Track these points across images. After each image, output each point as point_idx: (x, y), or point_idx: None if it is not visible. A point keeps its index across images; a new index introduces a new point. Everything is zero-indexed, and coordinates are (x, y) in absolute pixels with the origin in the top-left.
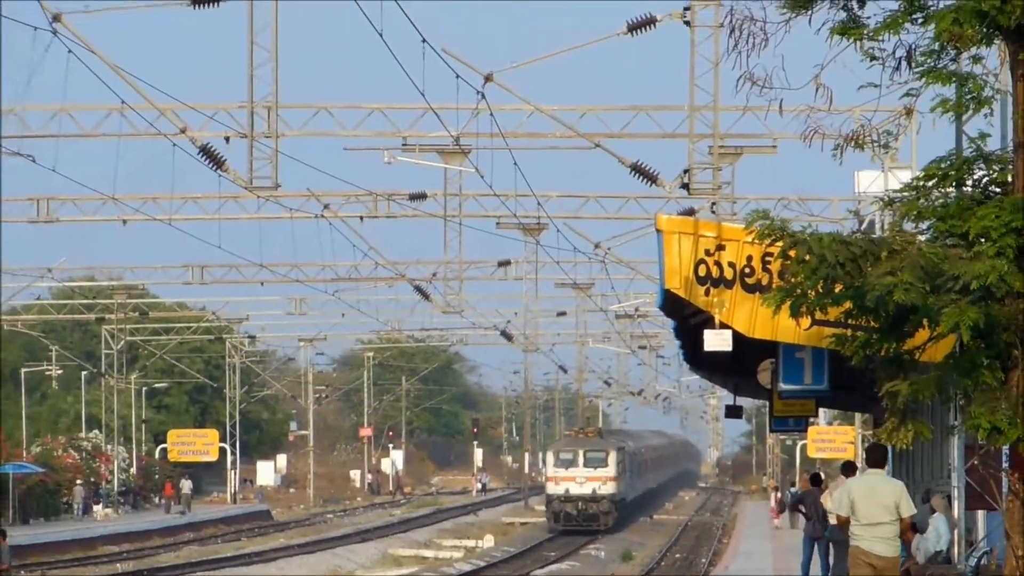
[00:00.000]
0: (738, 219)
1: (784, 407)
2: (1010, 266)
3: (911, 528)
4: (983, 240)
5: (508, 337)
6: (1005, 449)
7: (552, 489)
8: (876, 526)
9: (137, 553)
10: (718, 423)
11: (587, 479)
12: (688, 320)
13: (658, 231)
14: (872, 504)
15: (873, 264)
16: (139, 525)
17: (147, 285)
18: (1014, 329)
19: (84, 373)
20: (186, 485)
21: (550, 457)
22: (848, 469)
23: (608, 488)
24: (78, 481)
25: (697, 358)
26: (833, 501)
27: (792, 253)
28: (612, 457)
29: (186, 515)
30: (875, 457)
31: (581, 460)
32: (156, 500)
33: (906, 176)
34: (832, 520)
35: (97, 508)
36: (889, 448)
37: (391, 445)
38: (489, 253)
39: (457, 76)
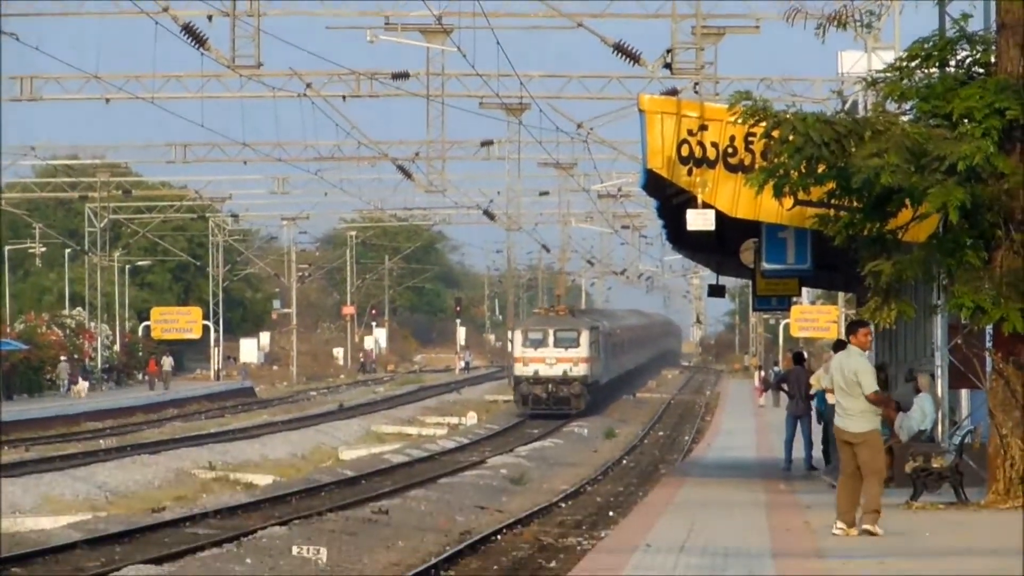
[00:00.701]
0: (721, 100)
1: (767, 286)
2: (995, 147)
3: (896, 407)
4: (967, 121)
5: (491, 216)
6: (988, 328)
7: (520, 370)
8: (843, 401)
9: (120, 429)
10: (701, 302)
11: (557, 360)
12: (671, 200)
13: (640, 111)
14: (839, 379)
15: (857, 144)
16: (123, 401)
17: (130, 164)
18: (997, 209)
19: (67, 251)
20: (167, 362)
21: (518, 336)
22: (840, 347)
23: (580, 370)
24: (62, 358)
25: (680, 237)
26: (817, 376)
27: (776, 133)
28: (584, 337)
29: (168, 391)
30: (849, 332)
31: (551, 340)
32: (140, 377)
33: (889, 57)
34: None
35: (82, 384)
36: (872, 326)
37: (374, 323)
38: (472, 133)
39: None
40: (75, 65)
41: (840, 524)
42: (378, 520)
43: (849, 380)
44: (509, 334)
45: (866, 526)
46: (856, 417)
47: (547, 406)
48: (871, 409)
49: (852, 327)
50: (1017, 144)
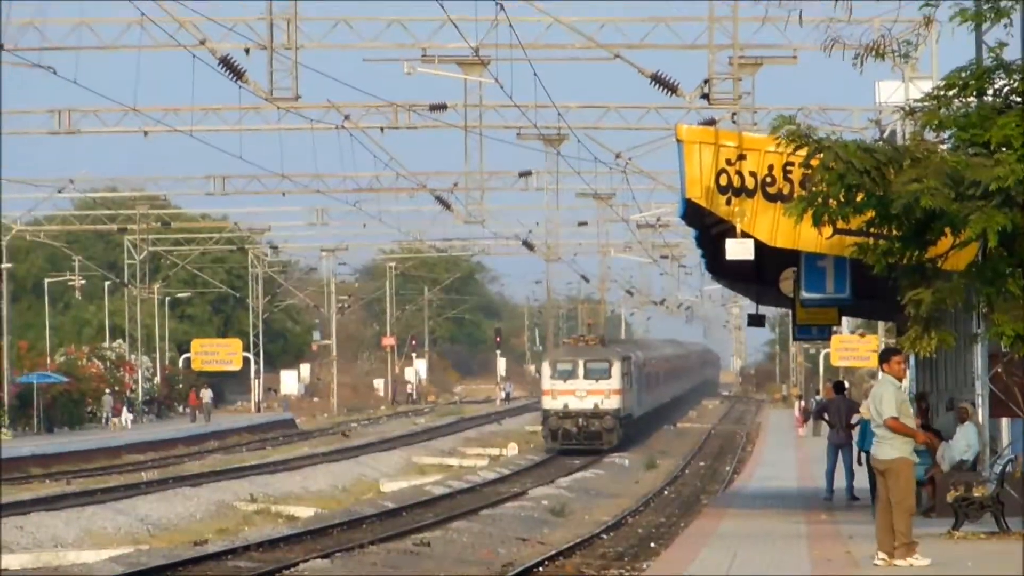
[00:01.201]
0: (759, 130)
1: (807, 316)
2: None
3: (937, 437)
4: (1004, 149)
5: (530, 247)
6: None
7: (549, 404)
8: (874, 429)
9: (162, 461)
10: (740, 332)
11: (588, 392)
12: (710, 229)
13: (679, 141)
14: (872, 407)
15: (897, 172)
16: (164, 434)
17: (169, 196)
18: None
19: (107, 283)
20: (206, 394)
21: (546, 368)
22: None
23: (611, 403)
24: (107, 390)
25: (719, 267)
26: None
27: (815, 162)
28: (616, 368)
29: (209, 424)
30: (882, 359)
31: (581, 371)
32: (180, 409)
33: (927, 86)
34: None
35: (126, 416)
36: (906, 353)
37: (414, 354)
38: (510, 164)
39: None
40: (113, 98)
41: (881, 555)
42: (420, 552)
43: (876, 407)
44: (537, 366)
45: (897, 561)
46: (884, 444)
47: (577, 441)
48: (898, 437)
49: (885, 355)
50: None
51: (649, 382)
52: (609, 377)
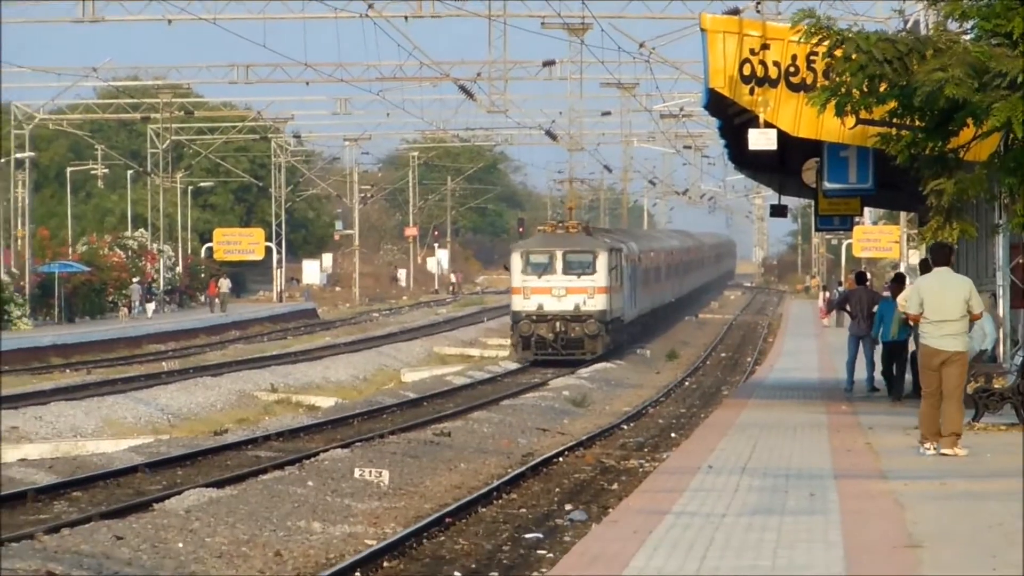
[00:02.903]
0: (783, 19)
1: (829, 206)
2: None
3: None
4: None
5: (553, 136)
6: None
7: (520, 304)
8: (945, 323)
9: (182, 351)
10: (763, 223)
11: (567, 291)
12: (733, 119)
13: (702, 30)
14: (943, 301)
15: (919, 62)
16: (185, 324)
17: (192, 85)
18: None
19: (130, 172)
20: (224, 284)
21: (516, 260)
22: (926, 268)
23: (596, 303)
24: (135, 279)
25: (742, 157)
26: (904, 299)
27: (838, 52)
28: (602, 260)
29: (228, 314)
30: (941, 256)
31: (559, 265)
32: (202, 299)
33: None
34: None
35: (149, 306)
36: (951, 246)
37: (436, 244)
38: (534, 53)
39: None
40: None
41: (928, 444)
42: (440, 442)
43: (959, 302)
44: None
45: (945, 450)
46: (961, 336)
47: (554, 350)
48: (966, 331)
49: (943, 249)
50: None
51: (647, 279)
52: (593, 272)
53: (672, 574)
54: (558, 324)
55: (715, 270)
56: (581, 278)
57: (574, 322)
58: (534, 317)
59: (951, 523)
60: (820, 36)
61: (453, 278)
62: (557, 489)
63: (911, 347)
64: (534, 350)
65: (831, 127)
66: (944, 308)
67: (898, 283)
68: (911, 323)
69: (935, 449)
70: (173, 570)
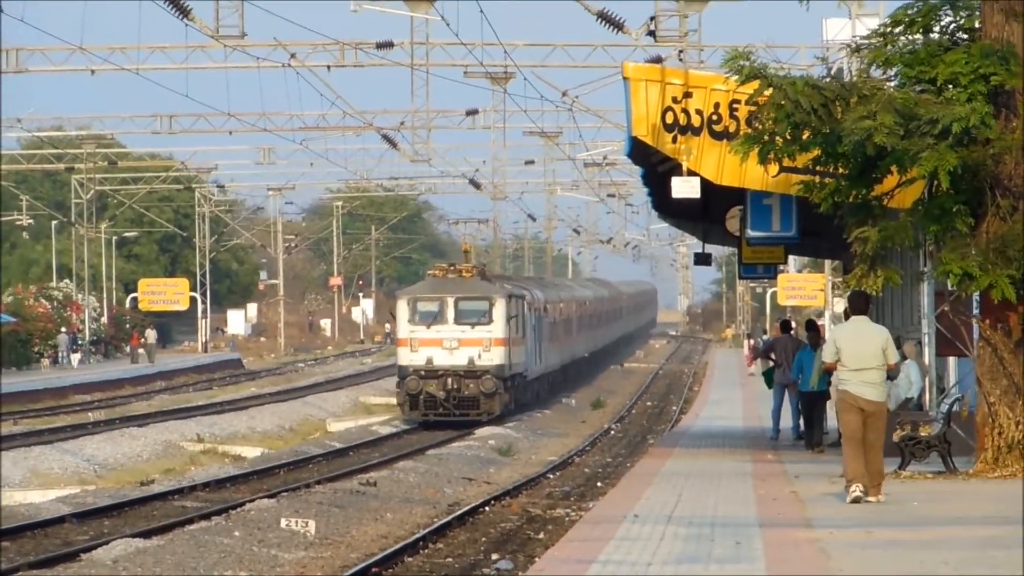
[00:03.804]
0: (705, 67)
1: (753, 254)
2: (989, 109)
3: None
4: (952, 86)
5: (476, 185)
6: (975, 295)
7: (407, 358)
8: (864, 371)
9: (109, 402)
10: (688, 271)
11: (460, 343)
12: (656, 168)
13: (625, 79)
14: (860, 350)
15: (844, 110)
16: (111, 374)
17: (116, 135)
18: (983, 175)
19: (54, 223)
20: (150, 335)
21: (402, 308)
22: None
23: (493, 357)
24: (63, 329)
25: (666, 205)
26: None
27: (762, 99)
28: (499, 308)
29: (154, 364)
30: (859, 304)
31: (451, 313)
32: (127, 349)
33: (874, 23)
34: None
35: (75, 356)
36: (869, 295)
37: (361, 294)
38: (457, 103)
39: None
40: (60, 36)
41: (856, 488)
42: (366, 492)
43: (875, 351)
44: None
45: (870, 497)
46: (879, 385)
47: (446, 410)
48: (884, 380)
49: (860, 298)
50: (1002, 110)
51: (555, 331)
52: (490, 321)
53: None
54: (450, 380)
55: (634, 321)
56: (476, 328)
57: (468, 378)
58: (423, 372)
59: (876, 572)
60: (752, 78)
61: (388, 327)
62: (483, 538)
63: (832, 395)
64: (423, 409)
65: (754, 175)
66: (861, 357)
67: (811, 331)
68: (829, 372)
69: (861, 490)
70: None
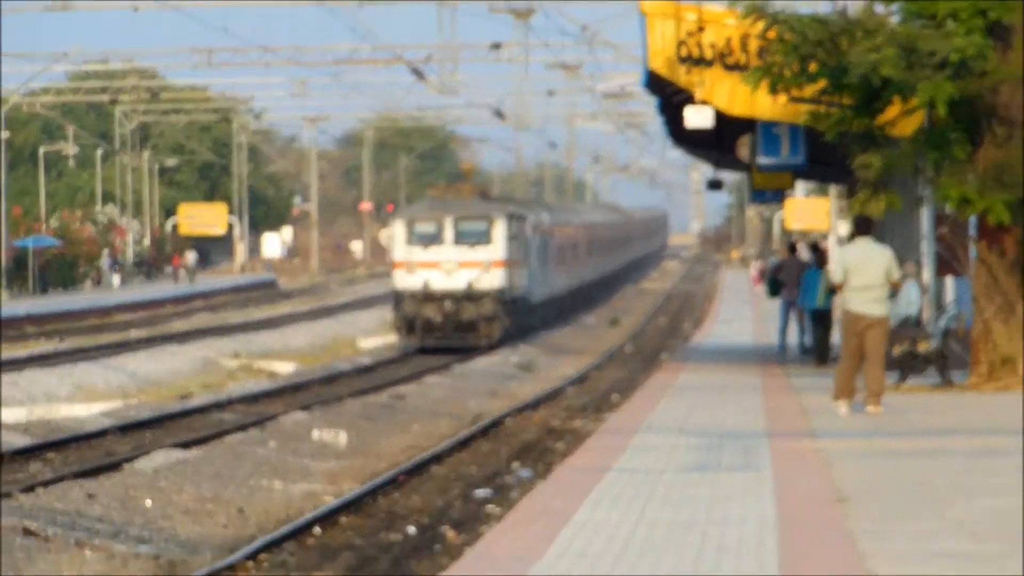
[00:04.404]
0: (719, 2)
1: (763, 180)
2: (986, 41)
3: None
4: (951, 21)
5: (501, 116)
6: (972, 219)
7: (403, 281)
8: (868, 289)
9: (150, 321)
10: (700, 196)
11: (459, 265)
12: (671, 98)
13: (642, 14)
14: (865, 269)
15: (849, 42)
16: (152, 294)
17: (158, 68)
18: (981, 105)
19: (99, 151)
20: (190, 256)
21: (399, 230)
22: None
23: (493, 279)
24: (105, 251)
25: (680, 134)
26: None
27: (771, 34)
28: (500, 229)
29: (195, 284)
30: (863, 227)
31: (449, 234)
32: (168, 271)
33: None
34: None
35: (114, 277)
36: (872, 218)
37: (390, 218)
38: (482, 36)
39: None
40: None
41: (843, 404)
42: (394, 405)
43: (880, 270)
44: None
45: (870, 408)
46: (883, 302)
47: (443, 335)
48: (887, 298)
49: (865, 221)
50: (999, 43)
51: (562, 255)
52: (489, 242)
53: (613, 527)
54: (447, 304)
55: (646, 245)
56: (475, 249)
57: (467, 302)
58: (419, 296)
59: (876, 479)
60: (755, 16)
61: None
62: (505, 448)
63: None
64: (420, 335)
65: (764, 105)
66: (866, 275)
67: (816, 252)
68: (837, 291)
69: (847, 407)
70: (141, 526)
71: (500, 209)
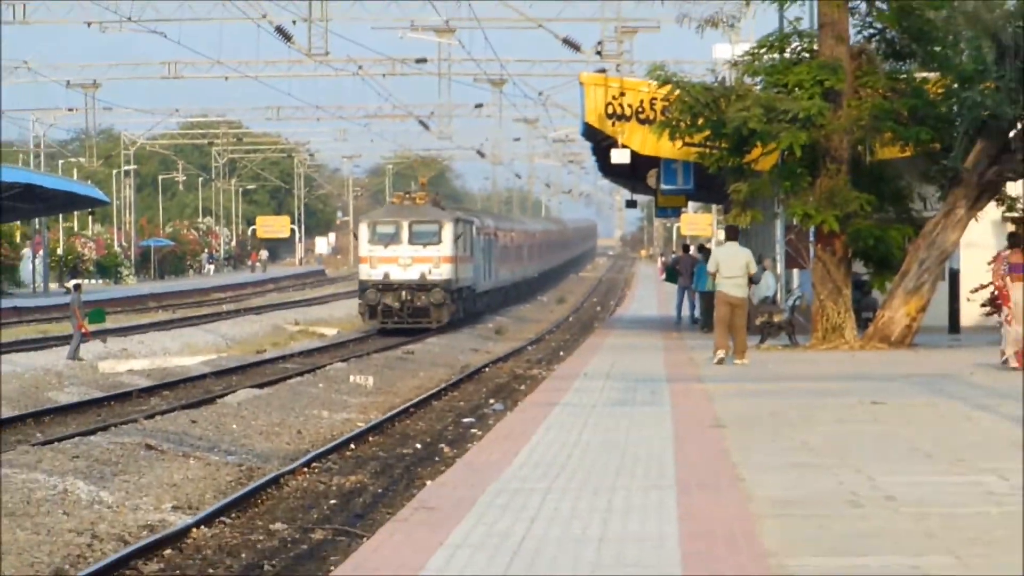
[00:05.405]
0: (634, 75)
1: (665, 200)
2: (824, 103)
3: (751, 281)
4: (798, 89)
5: (482, 155)
6: (812, 228)
7: (367, 274)
8: (732, 278)
9: (236, 298)
10: (622, 212)
11: (413, 260)
12: (601, 143)
13: (581, 84)
14: (731, 263)
15: (727, 104)
16: (237, 280)
17: (242, 121)
18: (819, 148)
19: (200, 179)
20: (263, 253)
21: (364, 231)
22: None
23: (442, 272)
24: (204, 250)
25: (607, 168)
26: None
27: (673, 97)
28: (447, 231)
29: (266, 273)
30: (731, 234)
31: (405, 235)
32: (248, 264)
33: (746, 46)
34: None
35: (210, 267)
36: (738, 228)
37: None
38: (469, 98)
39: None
40: (204, 53)
41: (720, 353)
42: (406, 359)
43: (741, 265)
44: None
45: (737, 360)
46: (742, 287)
47: (400, 319)
48: (746, 284)
49: (732, 230)
50: (831, 104)
51: (506, 254)
52: (439, 242)
53: (560, 444)
54: (404, 293)
55: (580, 247)
56: (427, 248)
57: (420, 291)
58: (380, 286)
59: (745, 411)
60: (665, 82)
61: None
62: (484, 389)
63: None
64: (380, 318)
65: (666, 148)
66: (732, 268)
67: (703, 252)
68: (712, 278)
69: (720, 356)
70: (229, 443)
71: (448, 215)
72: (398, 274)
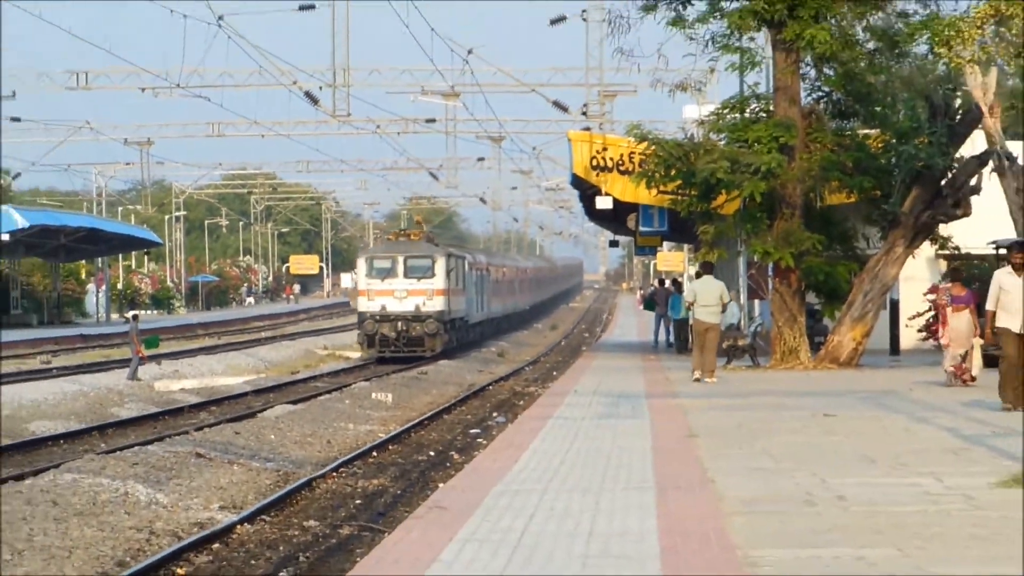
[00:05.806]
0: (616, 132)
1: (643, 241)
2: (781, 157)
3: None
4: (757, 144)
5: (484, 201)
6: (771, 264)
7: (365, 306)
8: (707, 306)
9: (272, 326)
10: (605, 250)
11: (408, 293)
12: (587, 191)
13: (569, 140)
14: (706, 294)
15: (696, 157)
16: (273, 310)
17: (276, 172)
18: (776, 195)
19: (241, 223)
20: (296, 287)
21: (362, 265)
22: (699, 276)
23: (435, 304)
24: (245, 285)
25: (592, 213)
26: (686, 293)
27: (649, 152)
28: (440, 265)
29: (299, 304)
30: (706, 269)
31: (401, 269)
32: (283, 297)
33: (711, 107)
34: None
35: (250, 299)
36: (713, 263)
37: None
38: (472, 153)
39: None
40: (243, 115)
41: (697, 373)
42: (421, 378)
43: (715, 295)
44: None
45: (707, 379)
46: (716, 315)
47: (397, 348)
48: (718, 311)
49: (707, 265)
50: (786, 157)
51: (498, 288)
52: (432, 276)
53: (553, 453)
54: (400, 324)
55: (567, 283)
56: (421, 281)
57: (415, 322)
58: (377, 317)
59: (715, 423)
60: (642, 139)
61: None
62: (488, 405)
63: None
64: (378, 347)
65: (643, 196)
66: (707, 298)
67: (676, 286)
68: (688, 307)
69: (699, 375)
70: (268, 451)
71: (441, 250)
72: (394, 306)
